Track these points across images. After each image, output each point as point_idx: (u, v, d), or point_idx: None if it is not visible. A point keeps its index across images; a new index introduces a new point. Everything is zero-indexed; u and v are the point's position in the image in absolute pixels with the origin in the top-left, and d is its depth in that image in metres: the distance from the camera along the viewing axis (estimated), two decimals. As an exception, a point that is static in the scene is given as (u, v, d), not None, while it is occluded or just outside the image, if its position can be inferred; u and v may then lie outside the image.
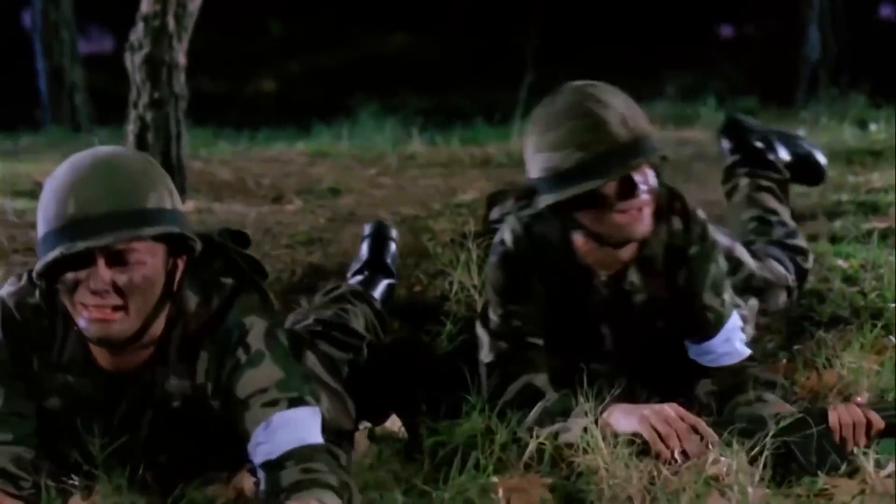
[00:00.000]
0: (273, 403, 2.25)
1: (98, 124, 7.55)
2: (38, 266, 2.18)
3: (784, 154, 3.70)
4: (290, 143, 6.55)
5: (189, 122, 4.72)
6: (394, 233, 3.64)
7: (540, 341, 2.78)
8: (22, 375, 2.33)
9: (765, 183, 3.63)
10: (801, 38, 9.27)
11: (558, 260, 2.76)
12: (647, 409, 2.51)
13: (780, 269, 3.36)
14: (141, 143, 4.52)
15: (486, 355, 2.82)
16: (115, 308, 2.18)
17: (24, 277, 2.35)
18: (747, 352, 2.79)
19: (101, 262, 2.17)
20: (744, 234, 3.53)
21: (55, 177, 2.22)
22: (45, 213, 2.20)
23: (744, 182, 3.65)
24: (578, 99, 2.59)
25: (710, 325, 2.77)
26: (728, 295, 2.80)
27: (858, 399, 2.73)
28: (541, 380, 2.75)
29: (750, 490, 2.26)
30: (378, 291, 3.41)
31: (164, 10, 4.51)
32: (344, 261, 3.88)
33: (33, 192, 4.88)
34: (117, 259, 2.17)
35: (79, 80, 8.21)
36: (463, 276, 3.59)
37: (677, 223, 2.74)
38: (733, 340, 2.78)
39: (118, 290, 2.18)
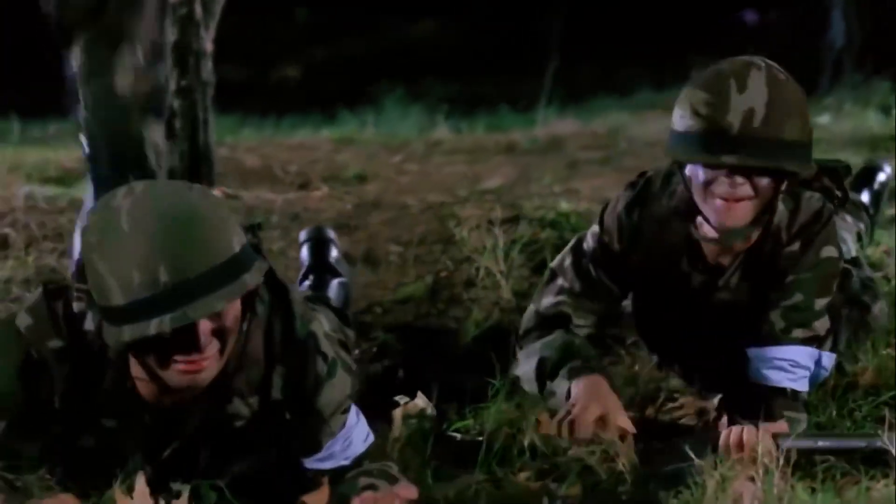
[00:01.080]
0: (346, 410, 2.26)
1: None
2: (127, 338, 1.99)
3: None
4: (315, 130, 6.61)
5: (215, 110, 4.76)
6: (332, 234, 3.56)
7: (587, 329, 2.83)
8: (33, 415, 2.17)
9: None
10: (825, 25, 9.26)
11: (674, 231, 2.74)
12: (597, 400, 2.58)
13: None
14: (169, 131, 4.55)
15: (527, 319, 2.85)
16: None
17: (44, 310, 2.16)
18: (795, 387, 2.68)
19: (203, 324, 2.01)
20: None
21: (121, 237, 1.99)
22: (121, 281, 1.98)
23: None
24: (734, 66, 2.57)
25: (779, 334, 2.69)
26: (821, 323, 2.72)
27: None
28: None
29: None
30: (332, 291, 3.32)
31: (192, -3, 4.55)
32: (370, 246, 3.93)
33: (61, 179, 4.95)
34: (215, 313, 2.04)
35: None
36: (489, 261, 3.64)
37: (797, 236, 2.69)
38: (785, 363, 2.68)
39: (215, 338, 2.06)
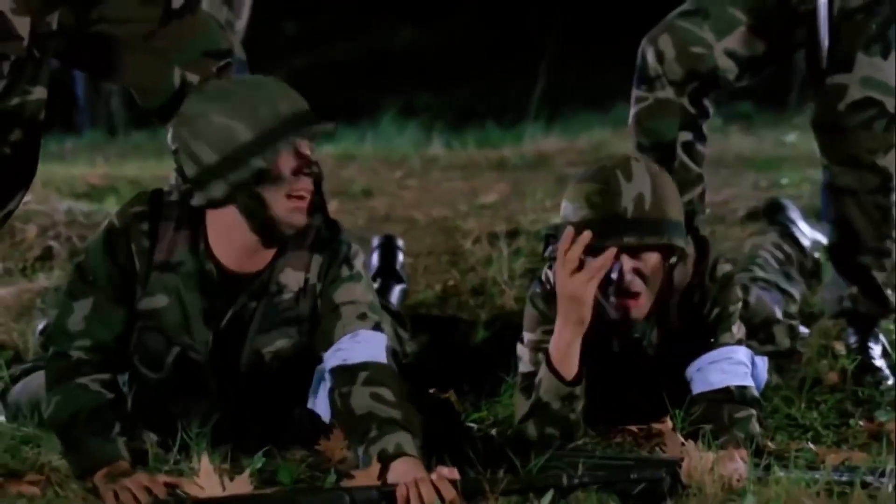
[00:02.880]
0: (363, 318, 2.68)
1: (134, 128, 7.96)
2: (262, 164, 2.59)
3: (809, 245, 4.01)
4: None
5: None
6: (400, 243, 4.07)
7: None
8: (118, 280, 2.70)
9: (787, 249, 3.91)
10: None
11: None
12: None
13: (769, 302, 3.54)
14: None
15: (523, 365, 2.98)
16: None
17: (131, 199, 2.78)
18: (739, 383, 2.88)
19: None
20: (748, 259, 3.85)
21: (232, 92, 2.68)
22: (246, 119, 2.61)
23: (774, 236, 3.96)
24: (613, 165, 2.85)
25: (708, 346, 2.92)
26: (739, 331, 2.96)
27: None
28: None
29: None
30: (394, 297, 3.81)
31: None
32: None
33: (89, 194, 5.33)
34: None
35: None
36: (494, 271, 4.06)
37: (699, 291, 2.94)
38: (721, 364, 2.89)
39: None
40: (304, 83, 2.85)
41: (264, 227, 2.67)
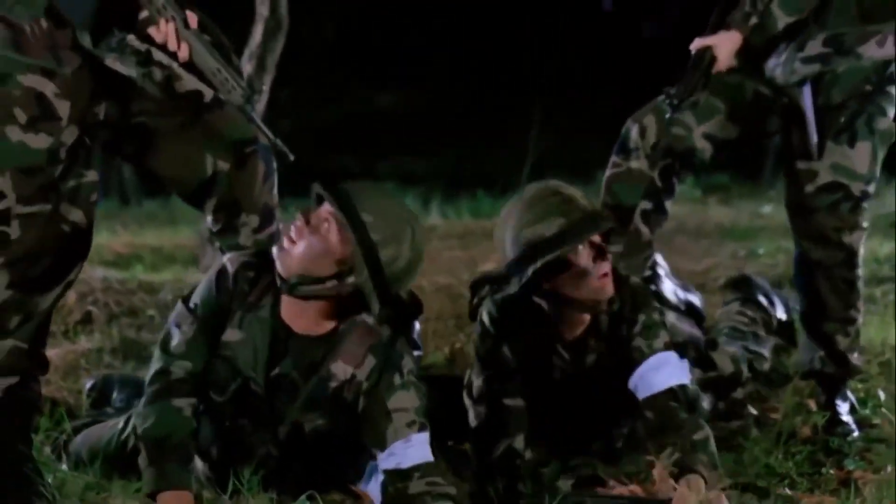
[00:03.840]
0: (412, 424, 2.98)
1: (146, 196, 8.28)
2: None
3: (781, 313, 4.37)
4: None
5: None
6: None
7: (518, 402, 3.33)
8: (216, 315, 3.04)
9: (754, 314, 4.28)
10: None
11: (528, 332, 3.37)
12: None
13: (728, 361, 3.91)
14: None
15: (471, 420, 3.36)
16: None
17: (248, 251, 3.13)
18: (679, 381, 3.25)
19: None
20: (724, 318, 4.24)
21: None
22: None
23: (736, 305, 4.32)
24: (547, 186, 3.27)
25: (644, 356, 3.29)
26: (663, 341, 3.31)
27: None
28: (519, 442, 3.29)
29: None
30: (415, 333, 4.12)
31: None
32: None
33: (117, 263, 5.68)
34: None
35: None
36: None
37: (624, 294, 3.34)
38: (663, 368, 3.26)
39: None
40: (290, 148, 3.01)
41: (300, 315, 3.06)
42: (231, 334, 3.07)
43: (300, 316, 3.04)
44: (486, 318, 3.40)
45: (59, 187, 3.21)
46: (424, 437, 3.01)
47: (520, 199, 3.29)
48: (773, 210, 7.09)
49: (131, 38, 3.12)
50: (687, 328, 4.00)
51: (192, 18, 3.10)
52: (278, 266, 2.99)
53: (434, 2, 17.84)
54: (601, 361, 3.37)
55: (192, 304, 3.09)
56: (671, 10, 20.32)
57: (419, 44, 17.51)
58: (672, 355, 3.29)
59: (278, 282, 3.01)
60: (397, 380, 3.02)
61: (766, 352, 4.06)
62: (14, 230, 3.19)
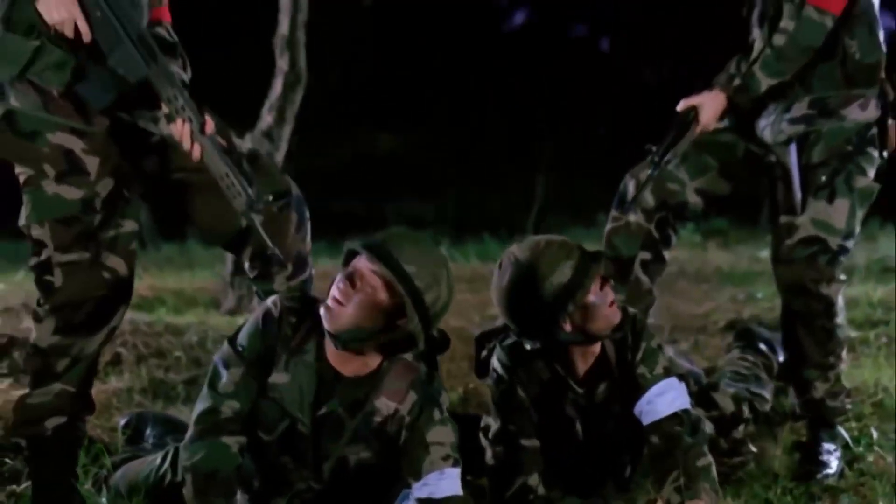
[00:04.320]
0: (447, 458, 3.16)
1: (163, 239, 8.46)
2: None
3: (782, 357, 4.45)
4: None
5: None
6: None
7: (533, 442, 3.47)
8: (263, 358, 3.15)
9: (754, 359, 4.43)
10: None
11: (541, 373, 3.51)
12: None
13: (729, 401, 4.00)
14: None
15: (488, 459, 3.52)
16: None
17: (291, 294, 3.25)
18: (683, 406, 3.40)
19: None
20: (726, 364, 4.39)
21: None
22: None
23: (737, 352, 4.49)
24: (539, 238, 3.40)
25: (648, 382, 3.43)
26: (662, 367, 3.45)
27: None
28: (533, 479, 3.44)
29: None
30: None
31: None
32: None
33: (141, 306, 5.88)
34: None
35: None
36: (510, 376, 4.60)
37: (626, 324, 3.46)
38: (667, 393, 3.40)
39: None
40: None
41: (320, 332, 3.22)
42: (277, 377, 3.20)
43: (348, 361, 3.20)
44: (498, 366, 3.56)
45: (98, 236, 3.40)
46: (457, 471, 3.19)
47: (511, 263, 3.44)
48: (769, 255, 7.25)
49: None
50: (686, 363, 4.20)
51: (209, 125, 3.27)
52: (327, 324, 3.11)
53: (435, 46, 18.06)
54: (611, 391, 3.51)
55: (239, 346, 3.22)
56: (669, 54, 20.62)
57: (421, 87, 17.73)
58: (673, 380, 3.44)
59: (327, 336, 3.15)
60: (437, 415, 3.19)
61: (766, 393, 4.20)
62: (57, 278, 3.40)
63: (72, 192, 3.35)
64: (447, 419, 3.22)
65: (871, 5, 3.76)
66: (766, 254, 7.38)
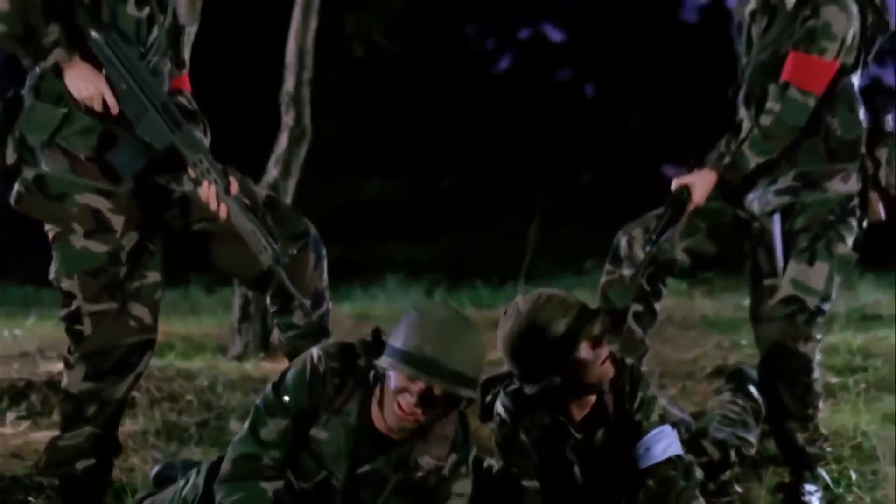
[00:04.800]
0: None
1: (167, 286, 8.62)
2: (388, 365, 3.17)
3: None
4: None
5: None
6: None
7: (534, 483, 3.65)
8: (306, 414, 3.30)
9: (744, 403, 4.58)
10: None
11: (542, 417, 3.69)
12: None
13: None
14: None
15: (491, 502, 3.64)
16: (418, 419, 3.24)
17: (333, 347, 3.35)
18: (676, 452, 3.64)
19: (433, 391, 3.18)
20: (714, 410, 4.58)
21: (421, 323, 3.19)
22: (410, 340, 3.16)
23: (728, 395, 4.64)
24: (543, 292, 3.63)
25: (644, 429, 3.67)
26: (657, 415, 3.69)
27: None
28: None
29: None
30: None
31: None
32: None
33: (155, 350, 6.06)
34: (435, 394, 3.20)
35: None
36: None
37: (624, 375, 3.69)
38: (663, 440, 3.63)
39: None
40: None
41: (384, 415, 3.34)
42: (318, 433, 3.35)
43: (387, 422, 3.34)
44: (501, 411, 3.75)
45: (124, 287, 3.62)
46: None
47: (514, 314, 3.64)
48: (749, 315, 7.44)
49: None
50: (678, 412, 4.42)
51: (234, 185, 3.51)
52: (391, 421, 3.29)
53: (424, 91, 18.24)
54: (609, 437, 3.70)
55: (284, 397, 3.33)
56: (654, 99, 20.85)
57: (410, 132, 17.92)
58: (667, 428, 3.68)
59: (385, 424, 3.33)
60: (464, 469, 3.42)
61: (753, 438, 4.39)
62: (87, 327, 3.63)
63: (99, 247, 3.58)
64: (470, 472, 3.44)
65: (852, 84, 4.01)
66: (748, 301, 7.56)
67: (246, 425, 3.40)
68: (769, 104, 3.96)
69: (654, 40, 19.95)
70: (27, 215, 3.63)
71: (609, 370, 3.61)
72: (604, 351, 3.60)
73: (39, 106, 3.53)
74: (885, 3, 4.03)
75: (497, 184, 17.62)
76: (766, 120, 3.96)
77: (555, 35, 21.25)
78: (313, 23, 6.07)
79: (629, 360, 3.77)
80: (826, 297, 4.02)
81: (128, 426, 4.85)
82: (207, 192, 3.49)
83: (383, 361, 3.24)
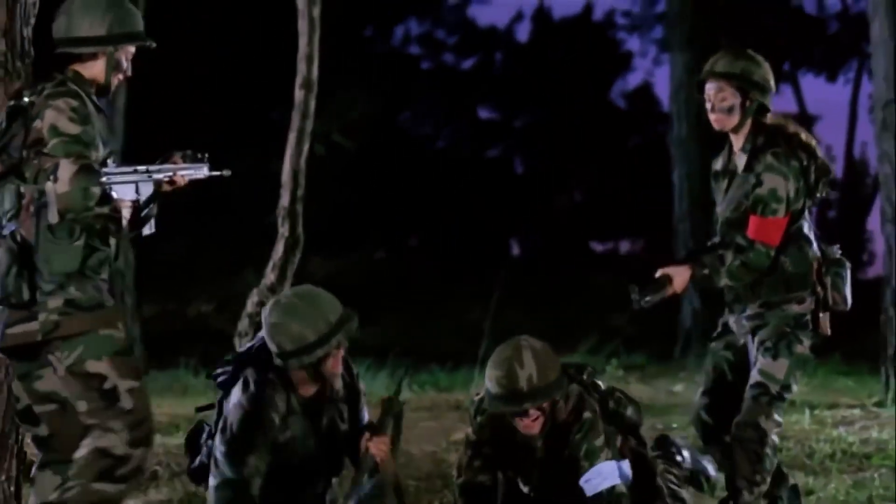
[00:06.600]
0: None
1: (155, 369, 9.35)
2: (321, 353, 4.37)
3: (692, 466, 5.53)
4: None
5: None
6: None
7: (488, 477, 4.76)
8: (272, 431, 4.41)
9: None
10: (678, 308, 11.54)
11: (507, 435, 4.69)
12: None
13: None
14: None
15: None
16: None
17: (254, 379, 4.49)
18: (611, 484, 4.61)
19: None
20: None
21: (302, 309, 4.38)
22: (311, 328, 4.37)
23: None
24: (510, 344, 4.62)
25: (587, 465, 4.65)
26: (605, 454, 4.67)
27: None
28: None
29: None
30: None
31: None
32: (395, 483, 5.98)
33: (160, 430, 6.82)
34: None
35: (135, 333, 10.14)
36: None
37: (574, 415, 4.70)
38: (605, 474, 4.60)
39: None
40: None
41: (318, 378, 4.50)
42: (284, 435, 4.51)
43: (307, 387, 4.56)
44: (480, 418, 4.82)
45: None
46: None
47: (494, 360, 4.60)
48: (683, 388, 8.37)
49: None
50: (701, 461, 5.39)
51: None
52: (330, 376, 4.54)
53: (364, 170, 18.93)
54: (552, 460, 4.72)
55: (256, 423, 4.45)
56: (585, 176, 21.67)
57: (352, 212, 18.61)
58: (606, 465, 4.65)
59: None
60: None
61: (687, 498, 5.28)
62: (126, 402, 4.16)
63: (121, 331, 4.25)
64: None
65: (802, 226, 5.04)
66: (679, 388, 8.47)
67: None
68: (741, 254, 4.97)
69: (583, 121, 20.97)
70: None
71: (533, 428, 4.62)
72: (525, 421, 4.60)
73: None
74: (828, 154, 5.12)
75: (444, 264, 18.22)
76: (737, 261, 4.99)
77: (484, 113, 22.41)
78: (306, 146, 6.99)
79: (587, 414, 4.70)
80: (786, 387, 4.97)
81: (152, 495, 5.67)
82: None
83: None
